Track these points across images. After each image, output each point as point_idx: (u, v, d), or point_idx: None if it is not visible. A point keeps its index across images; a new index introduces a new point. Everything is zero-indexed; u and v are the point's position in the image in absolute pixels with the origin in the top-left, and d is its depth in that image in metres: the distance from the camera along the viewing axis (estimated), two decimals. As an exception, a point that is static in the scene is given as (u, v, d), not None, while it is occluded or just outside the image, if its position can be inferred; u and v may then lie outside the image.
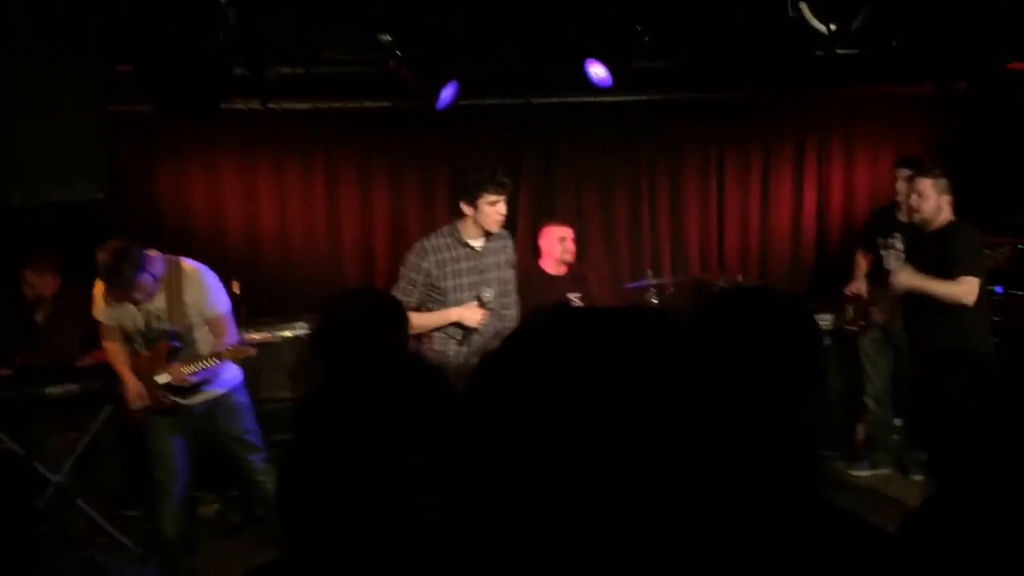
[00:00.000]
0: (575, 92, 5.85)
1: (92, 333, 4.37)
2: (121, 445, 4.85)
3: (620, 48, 5.15)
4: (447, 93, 5.17)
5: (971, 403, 4.38)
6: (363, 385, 1.39)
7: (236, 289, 4.86)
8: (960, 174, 6.32)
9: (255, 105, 5.26)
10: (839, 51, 3.57)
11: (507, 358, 0.81)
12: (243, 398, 4.32)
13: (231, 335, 4.12)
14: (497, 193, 4.07)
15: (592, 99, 6.00)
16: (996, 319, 6.03)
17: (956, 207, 4.90)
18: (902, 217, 5.22)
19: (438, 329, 4.19)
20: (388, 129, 6.16)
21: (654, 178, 6.72)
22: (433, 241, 4.19)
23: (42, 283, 4.92)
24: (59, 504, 4.68)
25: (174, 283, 3.96)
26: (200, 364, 4.02)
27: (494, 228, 4.15)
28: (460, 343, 4.19)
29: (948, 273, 4.49)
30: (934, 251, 4.58)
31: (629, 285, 5.98)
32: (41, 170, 3.46)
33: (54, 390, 4.71)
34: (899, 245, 4.67)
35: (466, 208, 4.12)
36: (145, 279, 3.83)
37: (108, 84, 3.87)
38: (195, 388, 4.11)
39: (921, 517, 1.89)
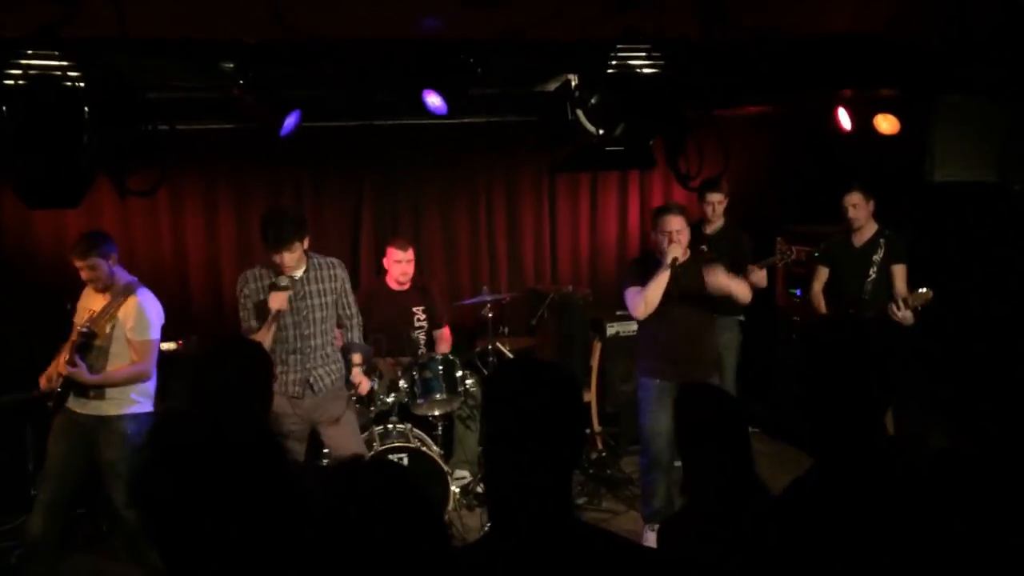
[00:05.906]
0: (415, 116, 6.03)
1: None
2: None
3: (454, 78, 5.48)
4: (290, 121, 5.33)
5: None
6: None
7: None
8: (769, 192, 7.09)
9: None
10: (607, 148, 4.26)
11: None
12: (132, 428, 4.26)
13: (147, 364, 4.35)
14: (272, 248, 4.31)
15: (430, 121, 6.13)
16: (796, 318, 6.81)
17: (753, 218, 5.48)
18: (708, 231, 5.91)
19: None
20: (232, 152, 6.22)
21: (491, 198, 7.05)
22: (253, 271, 4.50)
23: None
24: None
25: (118, 298, 4.30)
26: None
27: (285, 271, 4.37)
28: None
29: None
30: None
31: (466, 301, 6.20)
32: None
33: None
34: (710, 254, 5.19)
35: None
36: (99, 264, 4.26)
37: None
38: (87, 390, 4.24)
39: None
